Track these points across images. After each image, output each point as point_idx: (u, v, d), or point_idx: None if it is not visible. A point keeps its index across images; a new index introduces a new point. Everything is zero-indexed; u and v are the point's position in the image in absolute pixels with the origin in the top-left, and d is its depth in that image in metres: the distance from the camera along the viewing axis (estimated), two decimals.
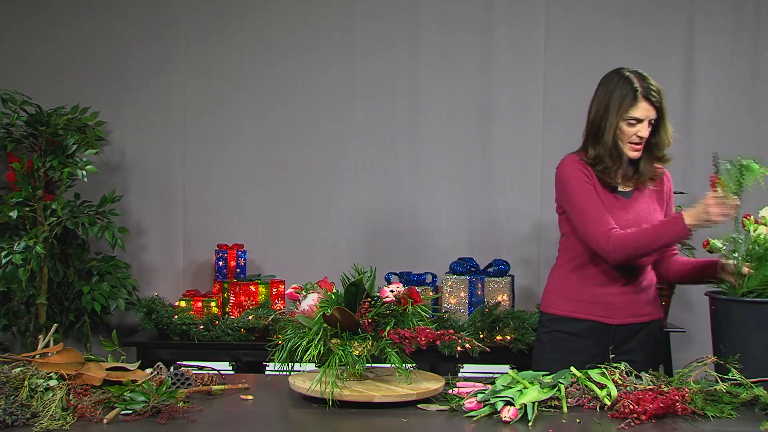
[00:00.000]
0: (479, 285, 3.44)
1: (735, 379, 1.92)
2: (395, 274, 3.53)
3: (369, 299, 1.94)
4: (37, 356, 1.95)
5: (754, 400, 1.87)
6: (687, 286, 3.56)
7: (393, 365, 1.89)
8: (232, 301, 3.47)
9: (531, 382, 1.86)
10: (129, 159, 3.78)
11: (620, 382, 1.90)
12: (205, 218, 3.79)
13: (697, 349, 3.49)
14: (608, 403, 1.84)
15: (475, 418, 1.78)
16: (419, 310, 1.97)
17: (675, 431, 1.71)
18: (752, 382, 1.90)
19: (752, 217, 2.15)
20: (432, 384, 1.95)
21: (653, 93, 2.31)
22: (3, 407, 1.68)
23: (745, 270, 2.12)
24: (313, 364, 1.93)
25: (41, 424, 1.66)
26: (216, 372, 2.14)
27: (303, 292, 2.03)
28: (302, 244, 3.77)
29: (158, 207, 3.79)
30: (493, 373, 2.71)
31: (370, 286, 1.96)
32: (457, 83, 3.76)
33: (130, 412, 1.74)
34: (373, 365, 2.01)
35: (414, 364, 2.01)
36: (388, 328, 1.91)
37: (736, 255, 2.14)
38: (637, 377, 1.94)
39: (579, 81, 3.61)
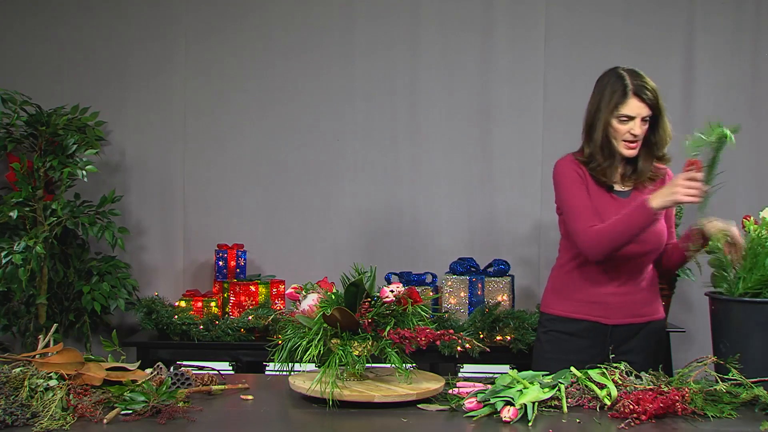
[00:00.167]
0: (479, 285, 3.44)
1: (735, 379, 1.91)
2: (395, 274, 3.53)
3: (369, 299, 1.94)
4: (37, 356, 1.95)
5: (754, 400, 1.87)
6: (687, 286, 3.57)
7: (393, 365, 1.89)
8: (232, 301, 3.47)
9: (531, 382, 1.86)
10: (129, 159, 3.78)
11: (620, 382, 1.90)
12: (205, 218, 3.79)
13: (697, 349, 3.49)
14: (608, 403, 1.84)
15: (475, 418, 1.78)
16: (419, 310, 1.96)
17: (675, 431, 1.71)
18: (752, 382, 1.90)
19: (752, 218, 2.15)
20: (432, 384, 1.95)
21: (646, 91, 2.29)
22: (3, 407, 1.68)
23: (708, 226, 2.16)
24: (313, 364, 1.92)
25: (41, 424, 1.66)
26: (216, 372, 2.14)
27: (303, 292, 2.02)
28: (302, 244, 3.77)
29: (158, 207, 3.79)
30: (493, 373, 2.71)
31: (370, 286, 1.96)
32: (457, 83, 3.76)
33: (130, 412, 1.74)
34: (373, 365, 2.01)
35: (414, 364, 2.00)
36: (388, 328, 1.90)
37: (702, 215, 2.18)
38: (637, 377, 1.94)
39: (579, 81, 3.60)
